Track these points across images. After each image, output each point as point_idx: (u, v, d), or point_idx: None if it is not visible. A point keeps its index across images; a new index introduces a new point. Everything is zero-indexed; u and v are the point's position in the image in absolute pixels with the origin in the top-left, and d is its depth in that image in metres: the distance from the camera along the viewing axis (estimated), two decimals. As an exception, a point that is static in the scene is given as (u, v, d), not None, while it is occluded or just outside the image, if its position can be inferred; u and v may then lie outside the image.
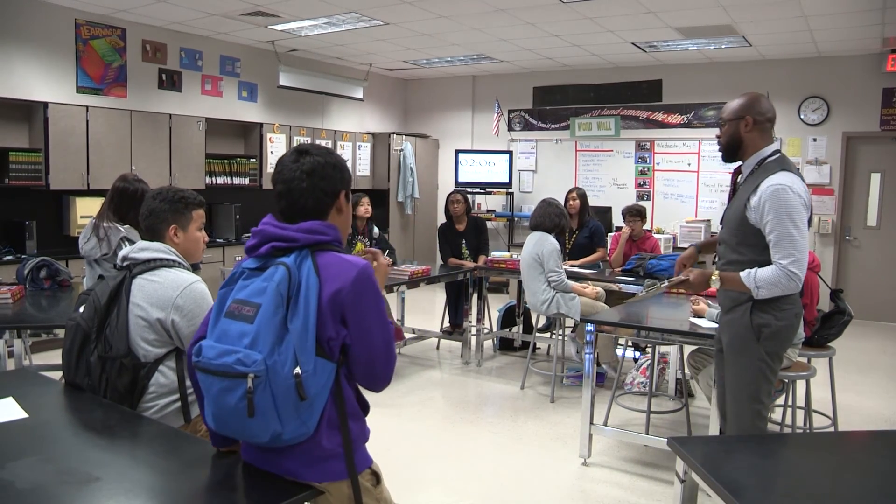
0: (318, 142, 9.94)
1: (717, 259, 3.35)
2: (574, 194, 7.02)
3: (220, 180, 8.78)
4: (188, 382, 2.63)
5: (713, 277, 3.13)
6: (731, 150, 3.23)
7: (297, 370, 1.80)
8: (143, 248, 2.71)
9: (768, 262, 2.98)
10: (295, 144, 9.31)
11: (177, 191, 2.85)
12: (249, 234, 2.04)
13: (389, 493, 2.12)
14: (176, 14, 7.65)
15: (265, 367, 1.79)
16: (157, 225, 2.78)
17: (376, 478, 2.06)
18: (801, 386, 4.62)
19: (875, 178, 9.17)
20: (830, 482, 2.14)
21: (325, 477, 1.92)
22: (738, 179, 3.26)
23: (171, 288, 2.61)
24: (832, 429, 4.83)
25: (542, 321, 7.20)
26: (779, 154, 3.14)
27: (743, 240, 3.10)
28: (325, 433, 1.90)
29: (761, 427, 3.10)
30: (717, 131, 3.29)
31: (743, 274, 3.01)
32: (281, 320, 1.82)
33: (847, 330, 4.84)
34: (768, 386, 3.13)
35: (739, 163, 3.25)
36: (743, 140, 3.16)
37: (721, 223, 3.33)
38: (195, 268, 2.87)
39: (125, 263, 2.69)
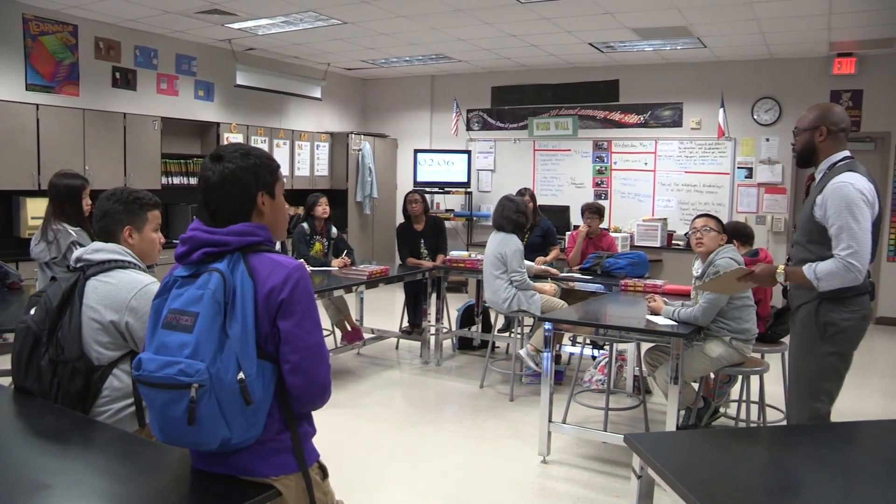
0: (275, 142, 9.86)
1: (788, 260, 3.48)
2: (527, 196, 7.04)
3: (176, 180, 8.66)
4: None
5: (778, 271, 3.27)
6: (806, 158, 3.41)
7: (241, 375, 1.81)
8: (98, 250, 2.65)
9: None
10: (252, 144, 9.20)
11: (131, 191, 2.79)
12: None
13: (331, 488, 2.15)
14: (130, 11, 7.51)
15: (209, 375, 1.78)
16: (111, 226, 2.73)
17: (323, 472, 2.11)
18: (755, 381, 4.70)
19: (825, 178, 9.36)
20: (783, 474, 2.18)
21: (277, 471, 1.93)
22: (812, 184, 3.42)
23: (126, 290, 2.55)
24: (785, 422, 4.92)
25: (501, 320, 7.22)
26: (849, 158, 3.28)
27: (811, 238, 3.24)
28: (273, 430, 1.92)
29: (819, 419, 3.19)
30: (791, 139, 3.51)
31: (805, 267, 3.15)
32: (220, 327, 1.82)
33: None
34: (828, 385, 3.21)
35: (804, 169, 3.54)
36: (816, 148, 3.33)
37: (794, 227, 3.43)
38: (150, 269, 2.83)
39: (79, 265, 2.63)
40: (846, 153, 3.29)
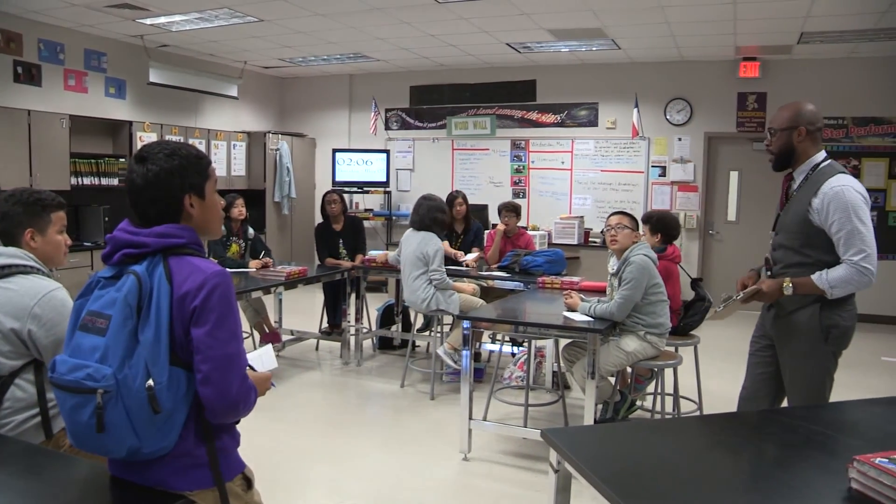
0: (191, 141, 9.62)
1: (773, 265, 3.35)
2: (460, 199, 7.04)
3: (87, 181, 8.35)
4: (50, 395, 2.49)
5: (785, 284, 3.12)
6: (785, 159, 3.29)
7: (150, 383, 1.74)
8: None
9: (836, 261, 3.06)
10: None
11: (32, 192, 2.67)
12: None
13: (260, 496, 2.10)
14: (32, 1, 7.19)
15: (115, 381, 1.72)
16: (11, 229, 2.60)
17: (248, 483, 2.04)
18: (668, 374, 4.83)
19: (734, 176, 9.72)
20: (697, 463, 2.24)
21: (193, 486, 1.86)
22: (792, 186, 3.30)
23: (28, 296, 2.44)
24: (698, 413, 5.07)
25: (421, 320, 7.22)
26: (829, 159, 3.23)
27: (807, 242, 3.14)
28: (190, 442, 1.85)
29: None
30: (765, 140, 3.36)
31: (815, 277, 3.06)
32: (130, 332, 1.76)
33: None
34: (829, 384, 3.21)
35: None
36: (796, 149, 3.24)
37: (774, 230, 3.35)
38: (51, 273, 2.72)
39: None
40: (824, 153, 3.27)
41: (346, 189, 9.92)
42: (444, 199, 6.78)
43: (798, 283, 3.11)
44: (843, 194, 3.04)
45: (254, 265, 6.42)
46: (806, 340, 3.18)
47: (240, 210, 6.53)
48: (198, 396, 1.83)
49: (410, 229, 6.03)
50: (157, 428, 1.77)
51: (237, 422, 1.99)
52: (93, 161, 8.45)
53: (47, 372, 1.85)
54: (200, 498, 1.87)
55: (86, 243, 8.11)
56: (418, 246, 5.85)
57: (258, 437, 4.85)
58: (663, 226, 5.08)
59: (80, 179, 8.24)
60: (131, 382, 1.73)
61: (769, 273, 3.36)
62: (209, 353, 1.80)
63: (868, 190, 3.23)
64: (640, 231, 4.73)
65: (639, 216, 5.00)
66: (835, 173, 3.13)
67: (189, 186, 1.94)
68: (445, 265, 5.94)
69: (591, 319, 4.36)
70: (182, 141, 9.39)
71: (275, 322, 7.00)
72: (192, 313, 1.80)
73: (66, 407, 1.78)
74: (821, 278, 3.06)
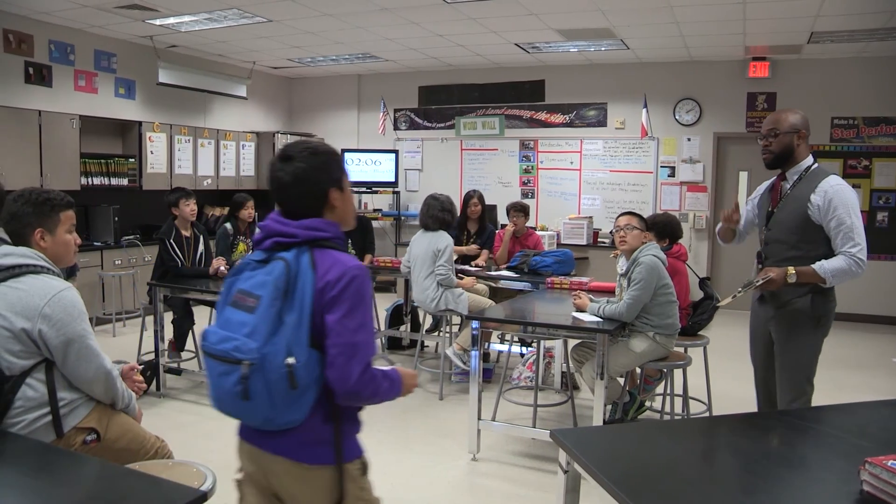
0: (200, 141, 9.67)
1: (764, 259, 3.68)
2: (476, 199, 7.02)
3: (97, 181, 8.39)
4: (61, 394, 2.51)
5: (790, 272, 3.38)
6: (783, 159, 3.57)
7: (290, 360, 1.88)
8: (7, 254, 2.52)
9: (826, 255, 3.39)
10: (176, 143, 8.98)
11: (41, 192, 2.67)
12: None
13: (372, 485, 2.20)
14: (43, 3, 7.23)
15: (259, 356, 1.88)
16: (21, 230, 2.61)
17: (364, 468, 2.15)
18: (678, 374, 4.82)
19: (743, 177, 9.68)
20: (706, 464, 2.25)
21: (314, 460, 2.00)
22: (785, 186, 3.61)
23: (38, 296, 2.45)
24: (707, 414, 5.06)
25: (430, 320, 7.22)
26: (818, 163, 3.59)
27: (804, 237, 3.46)
28: (317, 420, 1.98)
29: (808, 402, 3.55)
30: (763, 140, 3.63)
31: (815, 266, 3.36)
32: (277, 313, 1.91)
33: (719, 319, 5.11)
34: (815, 368, 3.59)
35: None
36: (794, 150, 3.53)
37: (768, 226, 3.67)
38: (71, 272, 2.73)
39: None
40: (812, 156, 3.58)
41: (355, 189, 9.92)
42: (462, 198, 6.80)
43: (801, 272, 3.38)
44: (844, 192, 3.37)
45: None
46: (802, 326, 3.51)
47: (249, 212, 6.52)
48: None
49: (420, 230, 6.04)
50: (291, 402, 1.91)
51: (360, 408, 2.12)
52: (102, 161, 8.48)
53: (200, 341, 2.00)
54: (319, 474, 2.00)
55: (96, 243, 8.15)
56: (429, 245, 5.85)
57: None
58: (670, 230, 5.18)
59: (90, 179, 8.28)
60: (273, 358, 1.88)
61: (760, 266, 3.66)
62: (336, 338, 1.93)
63: (879, 190, 3.49)
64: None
65: (647, 216, 5.01)
66: (829, 174, 3.47)
67: (332, 181, 2.09)
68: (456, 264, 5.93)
69: (600, 320, 4.36)
70: (191, 141, 9.44)
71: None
72: (330, 302, 1.94)
73: (214, 374, 1.97)
74: (822, 268, 3.34)
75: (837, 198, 3.34)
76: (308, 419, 1.95)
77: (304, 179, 2.04)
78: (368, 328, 2.01)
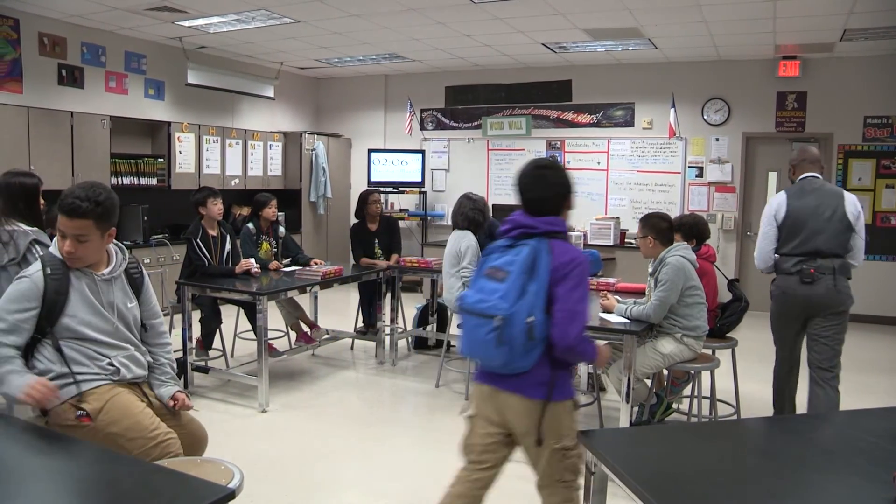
0: (228, 142, 9.75)
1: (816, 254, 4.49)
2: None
3: (126, 181, 8.49)
4: (51, 367, 2.79)
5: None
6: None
7: (530, 319, 2.54)
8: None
9: None
10: (204, 143, 9.04)
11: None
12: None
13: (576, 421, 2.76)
14: (75, 6, 7.34)
15: (508, 314, 2.54)
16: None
17: (575, 406, 2.74)
18: (705, 376, 4.78)
19: (772, 177, 9.57)
20: (734, 468, 2.22)
21: (536, 396, 2.64)
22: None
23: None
24: (735, 416, 5.01)
25: (457, 319, 7.20)
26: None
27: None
28: (540, 368, 2.62)
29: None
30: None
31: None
32: (523, 283, 2.59)
33: (748, 321, 5.05)
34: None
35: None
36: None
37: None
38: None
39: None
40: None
41: (382, 189, 9.95)
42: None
43: None
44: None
45: (273, 266, 6.35)
46: (844, 302, 4.46)
47: (273, 211, 6.55)
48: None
49: (453, 229, 6.02)
50: (525, 352, 2.57)
51: (573, 364, 2.82)
52: (132, 161, 8.58)
53: (457, 302, 2.92)
54: (537, 407, 2.63)
55: (125, 242, 8.22)
56: (454, 244, 5.85)
57: (292, 435, 4.90)
58: (697, 231, 5.12)
59: (119, 179, 8.38)
60: (518, 316, 2.55)
61: None
62: (562, 305, 2.58)
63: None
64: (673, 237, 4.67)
65: (674, 216, 4.98)
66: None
67: (569, 191, 2.79)
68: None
69: (627, 321, 4.33)
70: (219, 142, 9.52)
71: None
72: (560, 277, 2.59)
73: (469, 326, 2.67)
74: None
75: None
76: (534, 367, 2.60)
77: (557, 185, 2.76)
78: (586, 301, 2.65)
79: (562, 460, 2.70)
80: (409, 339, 7.39)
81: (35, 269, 2.82)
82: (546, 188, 2.76)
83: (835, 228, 4.42)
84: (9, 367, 2.67)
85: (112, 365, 2.87)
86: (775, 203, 4.57)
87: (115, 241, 3.03)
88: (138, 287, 3.11)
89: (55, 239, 2.88)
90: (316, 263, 6.50)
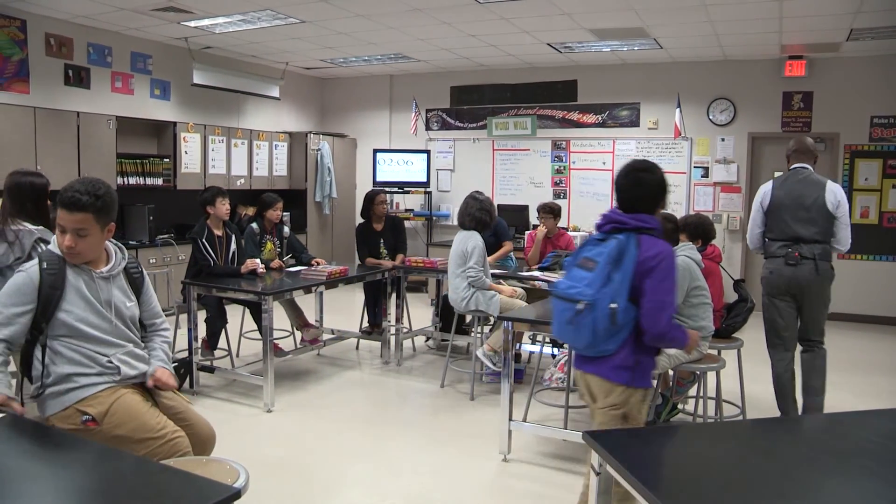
0: (233, 142, 9.76)
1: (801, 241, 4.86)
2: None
3: (132, 181, 8.50)
4: (57, 369, 2.78)
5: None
6: None
7: (613, 305, 2.80)
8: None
9: None
10: (209, 143, 9.03)
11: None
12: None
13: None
14: (82, 7, 7.36)
15: (592, 299, 2.83)
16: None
17: (645, 397, 2.99)
18: (711, 377, 4.77)
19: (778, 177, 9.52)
20: (740, 469, 2.21)
21: (619, 380, 2.92)
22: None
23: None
24: (741, 417, 5.00)
25: (468, 320, 7.19)
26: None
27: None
28: (624, 353, 2.88)
29: None
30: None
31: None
32: (609, 273, 2.85)
33: (753, 322, 5.04)
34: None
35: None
36: None
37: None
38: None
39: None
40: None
41: (387, 189, 9.95)
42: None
43: None
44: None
45: (275, 265, 6.37)
46: (827, 280, 4.85)
47: (277, 213, 6.53)
48: (637, 324, 2.86)
49: (460, 229, 6.01)
50: (609, 335, 2.84)
51: (656, 352, 3.07)
52: (138, 161, 8.60)
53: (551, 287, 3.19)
54: (619, 390, 2.92)
55: (131, 242, 8.25)
56: (460, 244, 5.84)
57: (298, 435, 4.91)
58: (702, 231, 5.07)
59: (125, 179, 8.40)
60: (601, 302, 2.82)
61: None
62: (651, 296, 2.84)
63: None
64: (679, 237, 4.65)
65: (680, 216, 4.96)
66: None
67: (659, 199, 3.04)
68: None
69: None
70: (225, 142, 9.54)
71: (315, 321, 7.05)
72: (647, 270, 2.83)
73: (559, 310, 3.00)
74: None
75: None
76: (618, 351, 2.87)
77: (653, 186, 3.01)
78: (674, 291, 2.92)
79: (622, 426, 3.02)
80: (432, 338, 7.45)
81: (31, 264, 2.82)
82: (641, 189, 3.01)
83: (814, 216, 4.78)
84: None
85: (111, 363, 2.86)
86: (762, 191, 5.04)
87: (113, 241, 3.02)
88: (138, 287, 3.10)
89: (54, 236, 2.88)
90: (317, 263, 6.50)
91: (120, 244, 3.07)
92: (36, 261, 2.82)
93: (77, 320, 2.80)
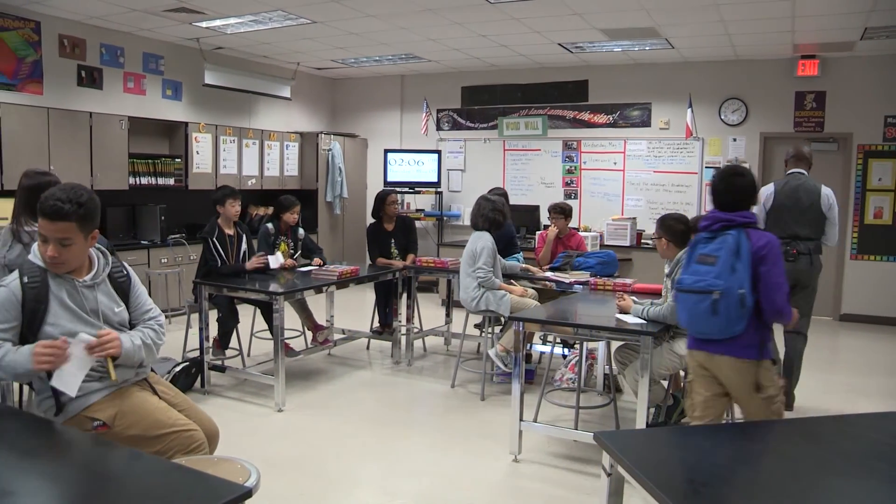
0: (245, 142, 9.80)
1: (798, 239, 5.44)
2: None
3: (144, 181, 8.54)
4: None
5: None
6: None
7: (741, 290, 3.19)
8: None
9: None
10: (221, 144, 9.06)
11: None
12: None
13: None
14: (95, 8, 7.41)
15: (724, 288, 3.22)
16: None
17: (774, 363, 3.40)
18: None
19: (791, 177, 9.48)
20: (752, 470, 2.21)
21: (748, 356, 3.30)
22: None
23: None
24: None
25: (476, 319, 7.19)
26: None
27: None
28: (749, 332, 3.25)
29: None
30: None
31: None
32: (732, 264, 3.24)
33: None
34: None
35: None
36: None
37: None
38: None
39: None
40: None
41: (398, 189, 9.96)
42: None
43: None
44: None
45: (289, 265, 6.38)
46: (816, 272, 5.48)
47: (294, 217, 6.55)
48: (758, 307, 3.24)
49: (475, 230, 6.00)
50: (738, 318, 3.22)
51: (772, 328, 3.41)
52: (150, 161, 8.64)
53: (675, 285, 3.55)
54: (749, 365, 3.30)
55: (143, 241, 8.29)
56: (470, 244, 5.85)
57: (308, 434, 4.92)
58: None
59: (137, 179, 8.44)
60: (731, 289, 3.21)
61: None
62: (766, 279, 3.24)
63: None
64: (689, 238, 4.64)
65: (691, 217, 4.93)
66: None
67: (752, 198, 3.50)
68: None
69: (644, 322, 4.31)
70: (236, 142, 9.56)
71: (326, 321, 7.06)
72: (761, 258, 3.25)
73: (690, 303, 3.36)
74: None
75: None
76: (745, 330, 3.23)
77: (747, 187, 3.43)
78: (783, 274, 3.29)
79: (769, 406, 3.33)
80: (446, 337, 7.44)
81: (12, 277, 2.72)
82: (738, 192, 3.41)
83: (810, 217, 5.43)
84: (1, 353, 2.60)
85: (104, 366, 2.77)
86: (764, 193, 5.53)
87: (98, 245, 2.92)
88: (125, 291, 2.99)
89: (34, 245, 2.79)
90: (317, 263, 6.52)
91: (104, 248, 2.97)
92: (16, 274, 2.72)
93: (64, 333, 2.68)
